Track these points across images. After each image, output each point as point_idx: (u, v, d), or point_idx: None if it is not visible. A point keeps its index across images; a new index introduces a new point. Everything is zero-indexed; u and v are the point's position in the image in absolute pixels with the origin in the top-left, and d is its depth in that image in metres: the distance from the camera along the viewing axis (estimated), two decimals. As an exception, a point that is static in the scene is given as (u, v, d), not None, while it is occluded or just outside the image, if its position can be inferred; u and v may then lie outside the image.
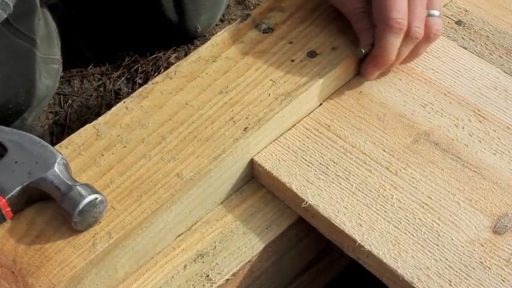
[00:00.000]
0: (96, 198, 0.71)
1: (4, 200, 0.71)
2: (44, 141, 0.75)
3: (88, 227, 0.72)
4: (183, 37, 1.40)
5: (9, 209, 0.72)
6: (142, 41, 1.41)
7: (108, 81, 1.37)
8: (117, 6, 1.37)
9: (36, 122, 1.26)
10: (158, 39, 1.41)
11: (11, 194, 0.72)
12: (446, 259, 0.72)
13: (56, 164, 0.73)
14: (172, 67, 0.87)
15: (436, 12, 0.83)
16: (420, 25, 0.81)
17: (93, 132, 0.81)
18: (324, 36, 0.88)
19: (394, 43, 0.81)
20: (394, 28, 0.79)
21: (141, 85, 1.30)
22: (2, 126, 0.77)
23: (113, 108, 0.83)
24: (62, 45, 1.34)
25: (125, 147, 0.79)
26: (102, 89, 1.37)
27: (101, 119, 0.82)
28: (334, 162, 0.80)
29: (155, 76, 0.88)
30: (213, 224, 0.80)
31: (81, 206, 0.70)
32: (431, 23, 0.82)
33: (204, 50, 0.88)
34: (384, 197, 0.77)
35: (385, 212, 0.76)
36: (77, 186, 0.71)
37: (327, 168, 0.79)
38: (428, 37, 0.83)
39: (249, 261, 0.77)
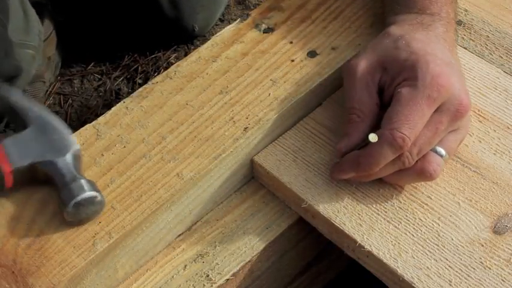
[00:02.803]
0: (96, 197, 0.71)
1: (11, 168, 0.71)
2: (68, 129, 0.76)
3: (78, 221, 0.72)
4: (180, 35, 1.40)
5: (11, 178, 0.72)
6: (142, 41, 1.41)
7: (108, 81, 1.37)
8: (116, 4, 1.37)
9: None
10: (157, 39, 1.41)
11: (19, 165, 0.72)
12: (446, 259, 0.72)
13: (69, 153, 0.74)
14: (172, 67, 0.87)
15: (442, 151, 0.74)
16: (415, 153, 0.73)
17: (93, 132, 0.81)
18: (324, 36, 0.88)
19: (386, 157, 0.72)
20: (396, 143, 0.70)
21: (141, 85, 1.30)
22: (36, 103, 0.78)
23: (113, 108, 0.83)
24: (62, 45, 1.34)
25: (124, 147, 0.79)
26: (102, 89, 1.36)
27: (101, 119, 0.82)
28: (334, 162, 0.80)
29: (155, 76, 0.88)
30: (213, 224, 0.80)
31: (78, 199, 0.70)
32: (431, 159, 0.73)
33: (204, 50, 0.88)
34: (384, 197, 0.77)
35: (385, 212, 0.75)
36: (81, 180, 0.71)
37: (327, 169, 0.79)
38: (421, 172, 0.73)
39: (249, 261, 0.78)
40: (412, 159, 0.73)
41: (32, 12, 1.22)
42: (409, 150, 0.72)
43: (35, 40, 1.20)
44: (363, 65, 0.76)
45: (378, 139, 0.72)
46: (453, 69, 0.74)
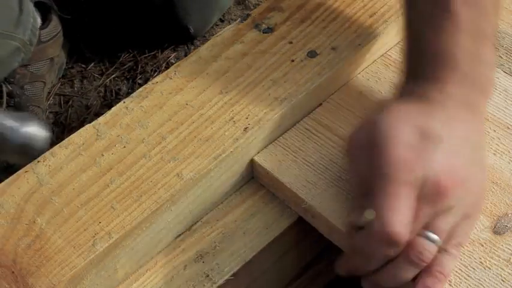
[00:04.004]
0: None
1: None
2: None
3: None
4: (177, 36, 1.40)
5: None
6: (142, 41, 1.41)
7: (108, 81, 1.37)
8: (115, 3, 1.38)
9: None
10: (157, 39, 1.41)
11: None
12: (446, 259, 0.72)
13: None
14: (172, 67, 0.87)
15: (430, 235, 0.65)
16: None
17: (93, 132, 0.81)
18: (324, 36, 0.88)
19: (379, 255, 0.66)
20: (389, 241, 0.64)
21: (141, 85, 1.30)
22: None
23: (112, 108, 0.83)
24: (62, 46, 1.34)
25: (124, 147, 0.79)
26: (102, 89, 1.37)
27: (101, 119, 0.82)
28: (334, 162, 0.80)
29: (155, 76, 0.88)
30: (213, 224, 0.80)
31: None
32: (416, 243, 0.65)
33: (204, 50, 0.88)
34: (384, 197, 0.77)
35: (385, 212, 0.75)
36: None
37: (327, 169, 0.79)
38: (408, 258, 0.66)
39: (249, 261, 0.77)
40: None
41: (29, 9, 1.22)
42: None
43: (25, 35, 1.20)
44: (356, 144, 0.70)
45: (368, 234, 0.65)
46: (427, 146, 0.66)
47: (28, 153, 0.64)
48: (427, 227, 0.66)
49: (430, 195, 0.65)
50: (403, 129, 0.66)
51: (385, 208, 0.64)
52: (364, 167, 0.68)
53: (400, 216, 0.64)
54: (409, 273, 0.67)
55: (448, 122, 0.67)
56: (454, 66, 0.69)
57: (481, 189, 0.70)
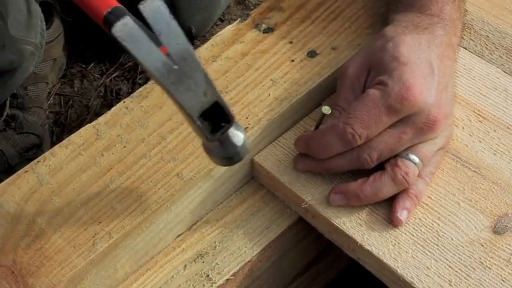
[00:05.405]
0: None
1: None
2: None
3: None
4: None
5: None
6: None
7: (108, 81, 1.37)
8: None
9: (36, 120, 1.26)
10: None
11: None
12: (446, 259, 0.72)
13: None
14: (173, 67, 0.86)
15: (415, 159, 0.74)
16: (375, 157, 0.73)
17: (93, 132, 0.81)
18: (324, 36, 0.88)
19: (334, 148, 0.74)
20: (345, 137, 0.72)
21: (141, 85, 1.30)
22: None
23: (113, 108, 0.83)
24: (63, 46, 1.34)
25: (124, 147, 0.79)
26: (102, 89, 1.36)
27: (101, 119, 0.82)
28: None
29: (155, 76, 0.88)
30: (213, 224, 0.80)
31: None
32: (403, 164, 0.73)
33: (204, 50, 0.88)
34: (384, 197, 0.77)
35: (385, 212, 0.75)
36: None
37: (327, 168, 0.79)
38: (394, 177, 0.73)
39: (249, 261, 0.78)
40: (371, 161, 0.74)
41: (37, 10, 1.22)
42: (368, 153, 0.73)
43: (37, 38, 1.20)
44: (352, 68, 0.77)
45: (330, 129, 0.73)
46: (432, 81, 0.73)
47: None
48: (408, 151, 0.74)
49: (418, 125, 0.73)
50: (421, 57, 0.74)
51: (361, 115, 0.72)
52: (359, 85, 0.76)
53: (366, 127, 0.72)
54: (391, 190, 0.74)
55: (441, 58, 0.75)
56: (442, 6, 0.79)
57: (453, 123, 0.79)
